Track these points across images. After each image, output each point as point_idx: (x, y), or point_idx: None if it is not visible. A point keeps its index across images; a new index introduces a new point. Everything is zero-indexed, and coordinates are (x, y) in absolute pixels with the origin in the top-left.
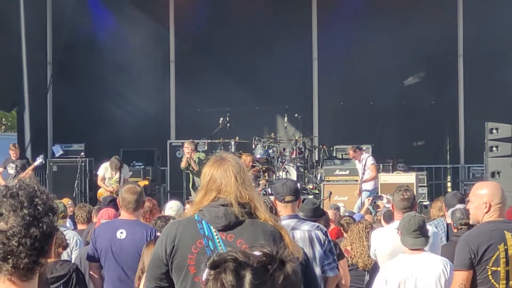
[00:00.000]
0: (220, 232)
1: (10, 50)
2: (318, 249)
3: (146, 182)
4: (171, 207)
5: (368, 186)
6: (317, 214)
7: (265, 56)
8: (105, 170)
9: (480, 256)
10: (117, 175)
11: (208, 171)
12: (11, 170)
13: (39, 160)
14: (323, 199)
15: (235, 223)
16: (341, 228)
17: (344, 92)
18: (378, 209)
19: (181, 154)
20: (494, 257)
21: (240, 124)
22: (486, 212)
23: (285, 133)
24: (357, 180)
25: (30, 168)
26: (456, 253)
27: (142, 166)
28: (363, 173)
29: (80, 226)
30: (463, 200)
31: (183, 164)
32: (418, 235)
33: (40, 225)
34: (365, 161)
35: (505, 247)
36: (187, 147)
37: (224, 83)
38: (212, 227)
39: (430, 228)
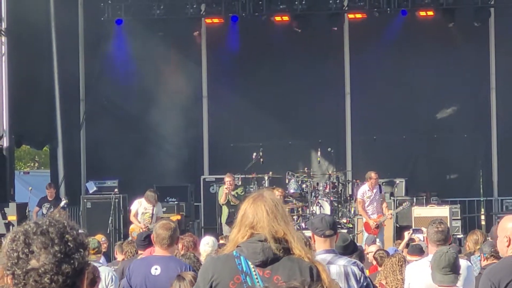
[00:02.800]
0: (258, 268)
1: (42, 88)
2: (353, 284)
3: (179, 217)
4: (207, 243)
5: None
6: (347, 252)
7: (297, 91)
8: (138, 205)
9: None
10: (151, 210)
11: (243, 207)
12: (45, 210)
13: (63, 202)
14: (357, 233)
15: (272, 259)
16: (375, 261)
17: (377, 126)
18: (413, 243)
19: (214, 189)
20: None
21: (274, 159)
22: (507, 246)
23: (319, 168)
24: (391, 214)
25: (56, 210)
26: (479, 287)
27: (176, 202)
28: (380, 204)
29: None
30: None
31: (222, 200)
32: (448, 272)
33: (72, 261)
34: (380, 189)
35: None
36: (229, 181)
37: (257, 118)
38: (250, 263)
39: (464, 262)
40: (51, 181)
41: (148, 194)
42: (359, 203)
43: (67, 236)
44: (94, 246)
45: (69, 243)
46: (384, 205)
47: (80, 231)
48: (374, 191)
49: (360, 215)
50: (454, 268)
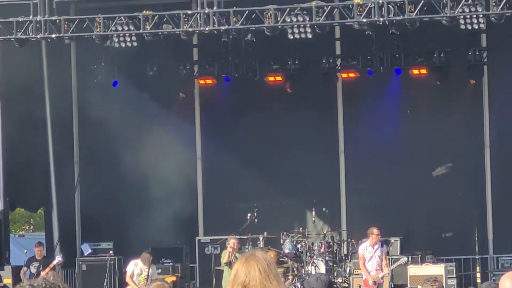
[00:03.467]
0: None
1: (36, 151)
2: None
3: (174, 278)
4: None
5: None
6: None
7: (291, 150)
8: (134, 266)
9: None
10: (146, 272)
11: (235, 267)
12: (33, 269)
13: (57, 259)
14: None
15: None
16: None
17: (371, 185)
18: None
19: (209, 250)
20: None
21: (268, 219)
22: None
23: (314, 227)
24: (389, 271)
25: (50, 266)
26: None
27: (171, 263)
28: (381, 261)
29: None
30: None
31: (225, 259)
32: None
33: None
34: (382, 248)
35: None
36: (233, 242)
37: (252, 179)
38: None
39: None
40: (45, 243)
41: (144, 256)
42: (360, 259)
43: None
44: None
45: None
46: (384, 262)
47: None
48: (375, 247)
49: (358, 273)
50: None
